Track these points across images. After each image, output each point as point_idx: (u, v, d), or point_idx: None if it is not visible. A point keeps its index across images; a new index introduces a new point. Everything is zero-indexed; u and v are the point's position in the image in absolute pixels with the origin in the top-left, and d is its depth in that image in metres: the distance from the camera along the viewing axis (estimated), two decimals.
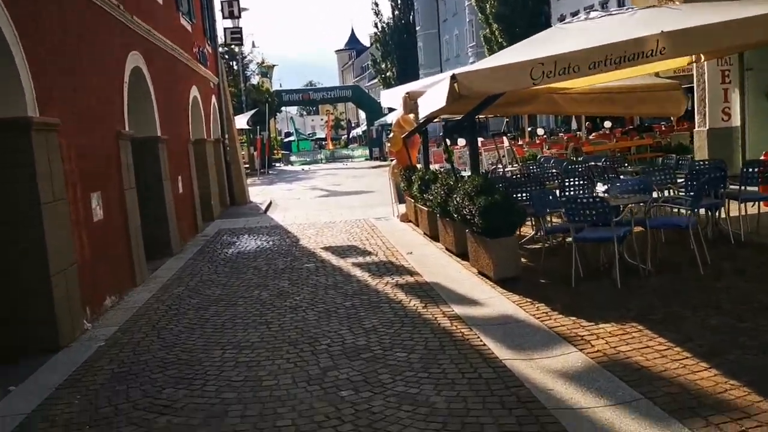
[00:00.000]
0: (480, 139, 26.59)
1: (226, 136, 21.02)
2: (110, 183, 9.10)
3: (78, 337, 7.25)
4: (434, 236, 11.78)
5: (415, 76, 67.98)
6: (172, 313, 8.09)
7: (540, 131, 32.35)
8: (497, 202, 8.02)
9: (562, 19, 40.17)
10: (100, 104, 8.99)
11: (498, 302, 7.47)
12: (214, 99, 19.74)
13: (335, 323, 7.15)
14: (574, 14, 33.09)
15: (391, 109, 48.36)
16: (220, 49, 44.95)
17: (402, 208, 15.43)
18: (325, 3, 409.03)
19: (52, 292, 6.73)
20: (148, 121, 11.76)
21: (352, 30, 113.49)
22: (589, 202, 7.65)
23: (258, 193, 26.38)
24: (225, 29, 23.93)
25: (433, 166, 29.75)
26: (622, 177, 11.00)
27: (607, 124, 29.51)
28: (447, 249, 10.67)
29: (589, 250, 8.69)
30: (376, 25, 69.84)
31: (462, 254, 9.97)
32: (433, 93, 9.35)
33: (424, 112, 10.56)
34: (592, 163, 12.95)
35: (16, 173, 6.57)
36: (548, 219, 9.50)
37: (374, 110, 51.54)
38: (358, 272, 9.66)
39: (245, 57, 45.31)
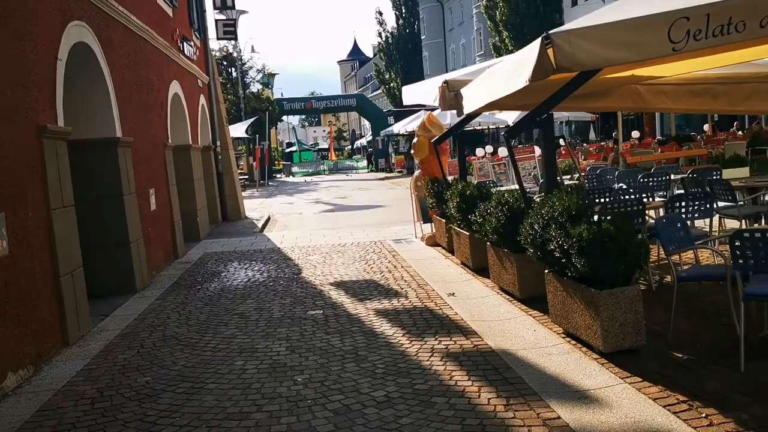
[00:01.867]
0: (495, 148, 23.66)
1: (218, 143, 18.07)
2: (25, 200, 6.12)
3: None
4: (479, 269, 8.82)
5: None
6: (100, 408, 5.09)
7: (592, 136, 29.37)
8: (609, 234, 5.04)
9: None
10: (9, 86, 6.04)
11: (624, 396, 4.49)
12: (203, 100, 16.81)
13: None
14: None
15: (399, 118, 45.72)
16: (216, 52, 42.18)
17: (427, 229, 12.47)
18: (327, 15, 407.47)
19: None
20: (102, 118, 8.82)
21: (355, 40, 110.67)
22: None
23: (256, 206, 23.42)
24: (216, 21, 20.98)
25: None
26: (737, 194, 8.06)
27: (635, 134, 26.60)
28: (502, 289, 7.71)
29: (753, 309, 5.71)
30: (379, 35, 67.18)
31: (529, 300, 7.02)
32: (496, 75, 6.40)
33: (471, 104, 7.62)
34: (677, 176, 10.00)
35: None
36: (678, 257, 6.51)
37: (379, 120, 48.72)
38: (386, 327, 6.67)
39: (244, 63, 42.43)
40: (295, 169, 50.47)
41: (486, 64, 9.14)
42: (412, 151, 11.97)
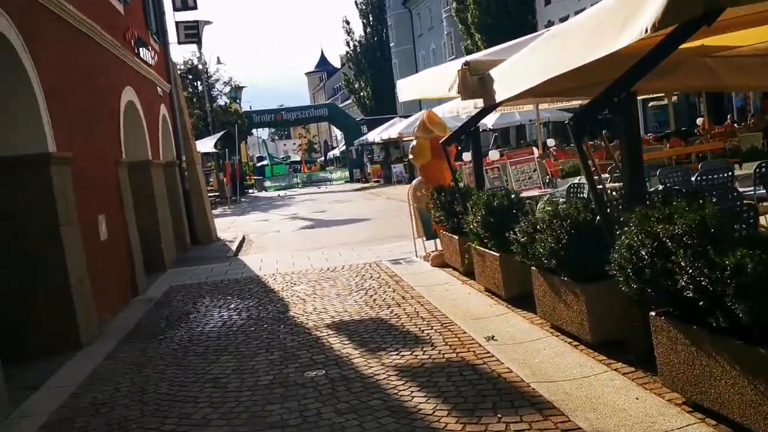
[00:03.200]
0: (488, 152, 21.82)
1: (184, 158, 16.00)
2: None
3: None
4: (514, 299, 6.94)
5: (391, 94, 63.42)
6: None
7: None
8: None
9: (549, 26, 36.20)
10: None
11: None
12: (164, 110, 14.74)
13: None
14: (564, 20, 28.85)
15: (372, 126, 43.78)
16: (180, 66, 39.92)
17: (431, 246, 10.57)
18: (293, 27, 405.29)
19: None
20: (26, 129, 6.79)
21: (322, 51, 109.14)
22: None
23: (228, 225, 21.36)
24: (177, 24, 18.90)
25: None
26: None
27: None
28: (557, 328, 5.82)
29: None
30: (347, 44, 65.62)
31: (604, 345, 5.15)
32: (566, 39, 4.54)
33: (508, 88, 5.76)
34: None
35: None
36: None
37: (352, 129, 46.86)
38: (420, 398, 4.70)
39: (210, 76, 40.28)
40: (267, 183, 48.30)
41: (517, 41, 7.23)
42: (410, 156, 10.10)
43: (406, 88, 9.83)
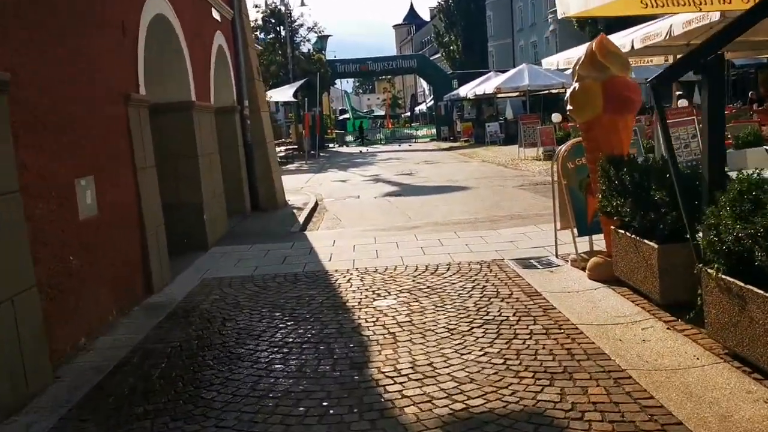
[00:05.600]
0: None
1: (246, 103, 12.68)
2: None
3: None
4: None
5: (483, 49, 58.87)
6: None
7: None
8: None
9: None
10: None
11: None
12: (221, 40, 11.36)
13: None
14: None
15: (463, 81, 39.49)
16: (261, 7, 36.68)
17: (583, 244, 6.93)
18: None
19: None
20: None
21: (411, 3, 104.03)
22: None
23: (302, 185, 18.12)
24: None
25: (530, 151, 20.99)
26: None
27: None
28: None
29: None
30: None
31: None
32: None
33: None
34: None
35: None
36: None
37: (441, 83, 42.81)
38: None
39: (294, 21, 36.91)
40: (349, 138, 45.08)
41: None
42: (568, 108, 6.39)
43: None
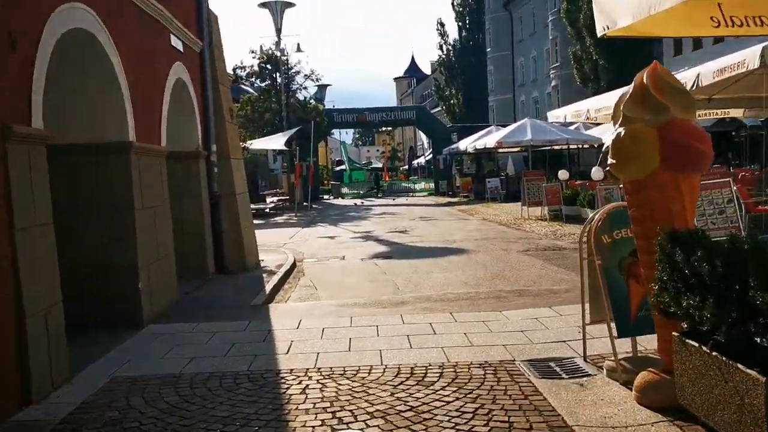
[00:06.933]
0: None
1: (214, 148, 10.89)
2: None
3: None
4: None
5: (484, 104, 57.83)
6: None
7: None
8: None
9: None
10: None
11: None
12: (182, 73, 9.63)
13: None
14: None
15: (462, 135, 37.87)
16: (256, 54, 35.37)
17: (623, 343, 5.04)
18: (383, 30, 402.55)
19: None
20: None
21: (413, 57, 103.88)
22: None
23: (286, 240, 16.23)
24: None
25: (537, 210, 19.13)
26: None
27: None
28: None
29: None
30: (440, 47, 60.41)
31: None
32: None
33: None
34: None
35: None
36: None
37: (441, 136, 41.38)
38: None
39: (291, 67, 35.61)
40: (344, 190, 43.40)
41: None
42: (609, 162, 4.54)
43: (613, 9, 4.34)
